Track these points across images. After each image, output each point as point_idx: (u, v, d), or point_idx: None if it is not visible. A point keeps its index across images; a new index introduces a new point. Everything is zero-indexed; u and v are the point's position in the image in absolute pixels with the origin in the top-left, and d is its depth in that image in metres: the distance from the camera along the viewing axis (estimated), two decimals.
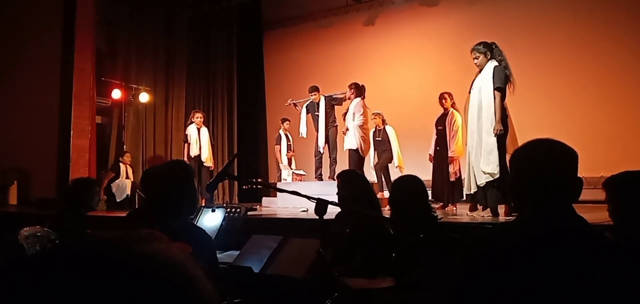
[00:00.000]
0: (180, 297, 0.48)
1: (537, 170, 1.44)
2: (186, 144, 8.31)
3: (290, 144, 8.97)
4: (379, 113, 7.58)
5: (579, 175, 1.44)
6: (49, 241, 3.18)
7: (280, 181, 8.46)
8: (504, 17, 8.52)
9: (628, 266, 1.33)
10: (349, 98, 7.41)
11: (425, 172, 7.13)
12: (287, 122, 8.97)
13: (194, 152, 8.19)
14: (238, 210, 4.35)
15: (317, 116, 7.87)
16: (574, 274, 1.27)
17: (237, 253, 2.95)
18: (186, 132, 8.38)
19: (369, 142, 7.37)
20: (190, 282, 0.50)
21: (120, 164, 8.57)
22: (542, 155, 1.48)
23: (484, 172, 4.55)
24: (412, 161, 8.23)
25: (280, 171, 8.71)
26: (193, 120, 8.39)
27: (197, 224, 3.17)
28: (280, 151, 8.92)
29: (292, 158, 9.04)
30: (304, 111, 8.14)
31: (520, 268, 1.30)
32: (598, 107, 7.72)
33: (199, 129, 8.32)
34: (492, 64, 4.62)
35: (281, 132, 8.98)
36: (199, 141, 8.25)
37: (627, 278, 1.29)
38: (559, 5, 8.23)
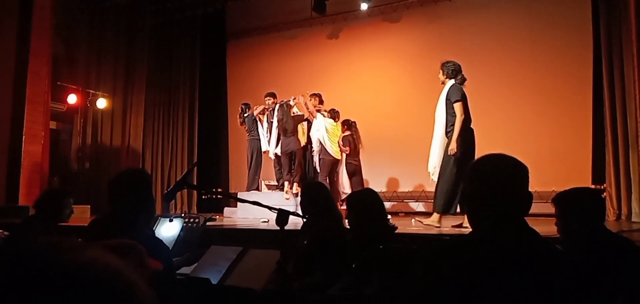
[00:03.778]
0: None
1: (490, 184, 1.48)
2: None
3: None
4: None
5: (529, 189, 1.49)
6: None
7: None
8: (463, 35, 8.76)
9: (577, 278, 1.38)
10: (312, 113, 7.41)
11: (380, 185, 7.26)
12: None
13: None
14: (196, 220, 4.27)
15: (272, 122, 7.78)
16: (530, 286, 1.31)
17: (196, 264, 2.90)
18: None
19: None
20: (129, 289, 0.49)
21: None
22: (495, 170, 1.52)
23: None
24: (371, 171, 8.35)
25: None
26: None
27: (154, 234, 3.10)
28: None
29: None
30: (264, 122, 8.01)
31: (478, 283, 1.33)
32: (550, 125, 8.03)
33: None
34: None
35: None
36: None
37: (575, 289, 1.35)
38: (515, 26, 8.53)
